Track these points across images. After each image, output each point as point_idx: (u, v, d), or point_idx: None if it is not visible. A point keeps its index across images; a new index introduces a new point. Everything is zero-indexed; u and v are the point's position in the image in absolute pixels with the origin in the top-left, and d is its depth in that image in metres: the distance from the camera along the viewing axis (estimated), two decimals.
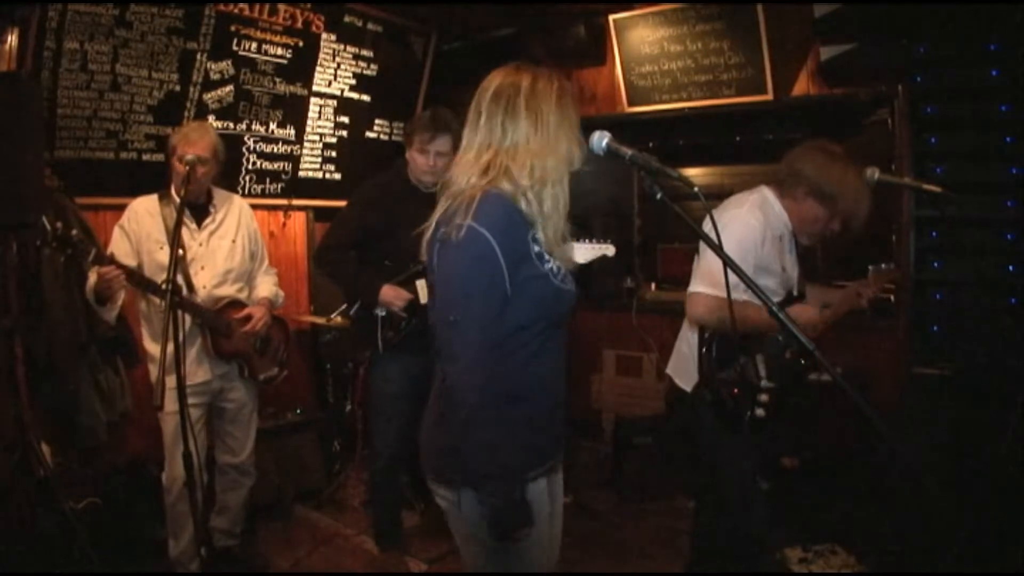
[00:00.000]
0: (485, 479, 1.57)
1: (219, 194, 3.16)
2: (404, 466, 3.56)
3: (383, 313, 3.23)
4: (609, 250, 3.30)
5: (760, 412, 2.50)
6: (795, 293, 2.67)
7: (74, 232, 2.58)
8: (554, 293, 1.66)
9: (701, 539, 2.90)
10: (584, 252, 3.22)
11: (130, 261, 2.86)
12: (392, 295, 3.18)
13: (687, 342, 2.68)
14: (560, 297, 1.69)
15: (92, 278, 2.82)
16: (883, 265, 2.78)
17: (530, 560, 1.72)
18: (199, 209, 3.06)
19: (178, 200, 2.86)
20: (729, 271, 1.52)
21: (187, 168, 2.79)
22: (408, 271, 3.22)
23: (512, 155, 1.62)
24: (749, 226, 2.48)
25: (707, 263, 2.49)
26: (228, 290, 3.09)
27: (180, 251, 2.89)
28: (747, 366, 2.56)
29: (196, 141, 2.92)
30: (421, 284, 3.20)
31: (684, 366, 2.67)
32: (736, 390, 2.55)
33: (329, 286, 3.64)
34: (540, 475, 1.74)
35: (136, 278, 2.76)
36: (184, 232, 2.96)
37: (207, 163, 2.95)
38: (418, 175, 3.20)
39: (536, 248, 1.64)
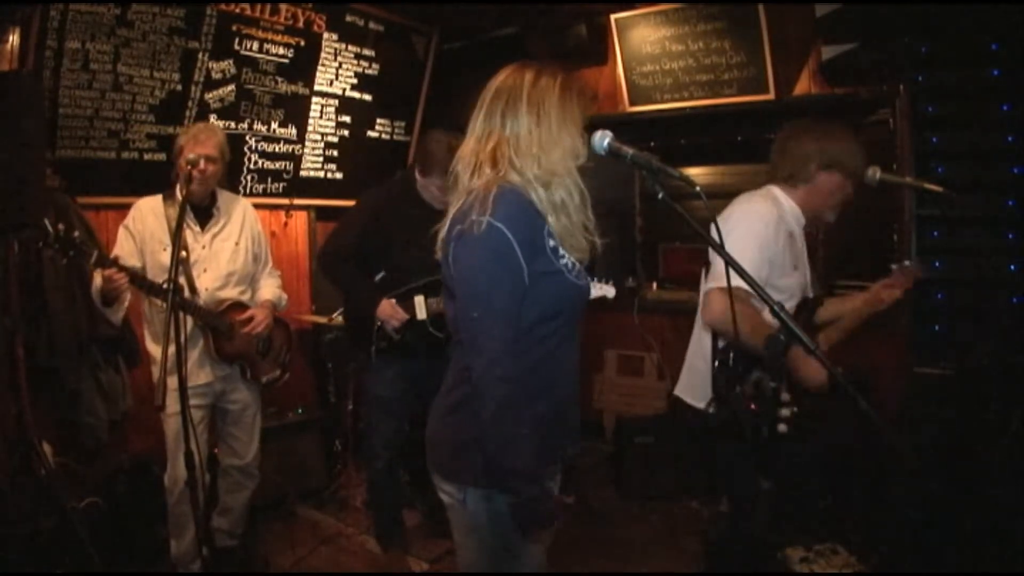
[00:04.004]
0: (514, 475, 1.57)
1: (224, 196, 3.16)
2: (404, 465, 3.57)
3: (379, 323, 3.22)
4: (609, 292, 3.25)
5: (782, 428, 2.39)
6: (810, 295, 2.58)
7: (76, 234, 2.58)
8: (569, 289, 1.66)
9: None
10: None
11: (134, 262, 2.87)
12: (389, 312, 3.16)
13: (702, 357, 2.54)
14: (575, 293, 1.69)
15: (97, 281, 2.82)
16: (906, 263, 2.69)
17: (529, 559, 1.72)
18: (203, 211, 3.06)
19: (180, 199, 2.86)
20: (731, 272, 1.52)
21: (188, 168, 2.79)
22: (409, 285, 3.20)
23: (515, 146, 1.63)
24: (762, 217, 2.38)
25: (722, 261, 2.46)
26: (231, 292, 3.09)
27: (183, 253, 2.90)
28: (763, 380, 2.48)
29: (205, 141, 2.92)
30: (420, 300, 3.19)
31: (698, 382, 2.54)
32: (753, 405, 2.43)
33: (331, 286, 3.64)
34: (551, 475, 1.73)
35: (139, 280, 2.76)
36: (187, 234, 2.97)
37: (216, 162, 2.96)
38: (431, 199, 3.16)
39: (551, 242, 1.64)
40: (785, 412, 2.40)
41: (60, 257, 2.61)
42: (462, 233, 1.58)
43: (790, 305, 2.44)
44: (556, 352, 1.68)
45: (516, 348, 1.57)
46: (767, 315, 2.33)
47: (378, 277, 3.23)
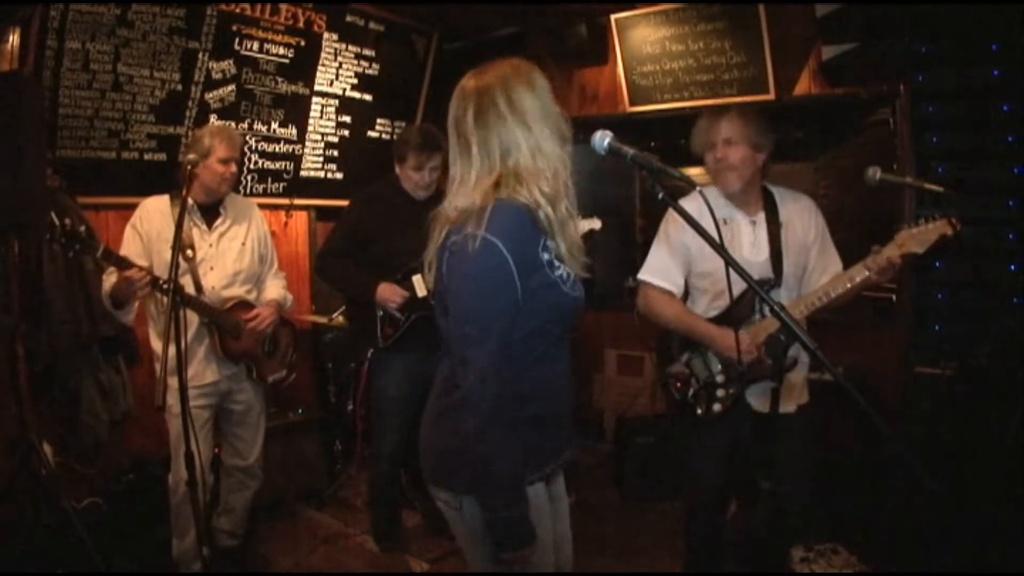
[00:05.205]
0: (490, 491, 1.57)
1: (230, 196, 3.17)
2: (404, 466, 3.57)
3: (381, 312, 3.27)
4: (596, 224, 3.34)
5: (717, 407, 2.55)
6: (762, 278, 2.51)
7: (82, 229, 2.58)
8: (564, 300, 1.66)
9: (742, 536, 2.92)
10: None
11: (142, 261, 2.85)
12: (388, 293, 3.21)
13: None
14: (570, 304, 1.68)
15: (108, 284, 2.83)
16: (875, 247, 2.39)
17: (534, 563, 1.71)
18: (210, 210, 3.07)
19: (191, 201, 2.88)
20: (730, 271, 1.52)
21: (189, 167, 2.79)
22: (404, 268, 3.25)
23: (517, 173, 1.60)
24: (671, 221, 2.66)
25: (654, 253, 2.70)
26: (237, 291, 3.10)
27: (189, 251, 2.92)
28: (693, 361, 2.58)
29: (234, 143, 3.00)
30: (418, 279, 3.24)
31: None
32: (679, 384, 2.61)
33: (331, 287, 3.66)
34: (538, 479, 1.73)
35: (152, 279, 2.75)
36: (195, 233, 2.98)
37: (237, 162, 3.03)
38: (413, 189, 3.28)
39: (547, 256, 1.62)
40: (720, 392, 2.53)
41: (66, 252, 2.60)
42: (456, 247, 1.57)
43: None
44: (548, 358, 1.68)
45: (506, 362, 1.56)
46: (701, 307, 2.63)
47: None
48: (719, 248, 1.52)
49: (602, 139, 1.61)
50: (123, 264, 2.70)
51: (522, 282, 1.56)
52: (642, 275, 2.69)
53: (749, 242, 2.58)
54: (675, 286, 2.63)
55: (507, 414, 1.56)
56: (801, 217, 2.60)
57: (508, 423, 1.56)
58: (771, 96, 4.16)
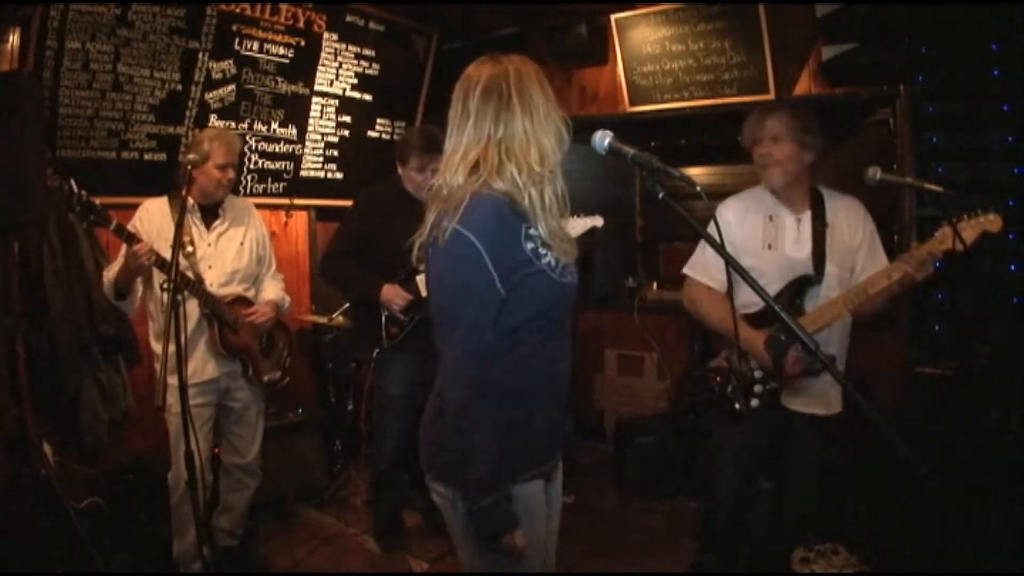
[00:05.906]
0: (467, 482, 1.57)
1: (229, 198, 3.18)
2: (406, 466, 3.57)
3: (386, 312, 3.28)
4: (598, 221, 3.34)
5: (755, 403, 2.54)
6: (807, 275, 2.54)
7: (98, 201, 2.59)
8: (553, 288, 1.64)
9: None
10: (572, 227, 3.29)
11: None
12: (392, 294, 3.23)
13: None
14: (560, 291, 1.67)
15: (111, 273, 2.85)
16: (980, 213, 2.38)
17: (525, 560, 1.71)
18: (209, 211, 3.08)
19: (192, 202, 2.90)
20: (731, 270, 1.52)
21: (189, 167, 2.79)
22: (408, 268, 3.24)
23: (508, 149, 1.60)
24: (719, 215, 2.64)
25: (699, 249, 2.73)
26: (235, 289, 3.11)
27: (189, 247, 2.93)
28: (734, 356, 2.58)
29: (234, 148, 3.03)
30: (421, 279, 3.25)
31: None
32: (718, 378, 2.60)
33: (334, 289, 3.67)
34: (535, 476, 1.73)
35: (157, 258, 2.76)
36: (193, 232, 3.00)
37: (235, 168, 3.05)
38: (415, 190, 3.29)
39: (531, 245, 1.62)
40: (758, 388, 2.52)
41: (81, 221, 2.61)
42: (434, 241, 1.58)
43: (769, 287, 2.48)
44: (541, 350, 1.67)
45: (484, 356, 1.56)
46: (742, 299, 2.57)
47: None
48: (719, 249, 1.52)
49: (602, 139, 1.61)
50: (133, 241, 2.72)
51: (501, 274, 1.56)
52: (686, 269, 2.77)
53: (792, 239, 2.59)
54: (715, 282, 2.67)
55: (489, 405, 1.55)
56: (849, 219, 2.62)
57: (491, 414, 1.56)
58: (771, 96, 4.16)
